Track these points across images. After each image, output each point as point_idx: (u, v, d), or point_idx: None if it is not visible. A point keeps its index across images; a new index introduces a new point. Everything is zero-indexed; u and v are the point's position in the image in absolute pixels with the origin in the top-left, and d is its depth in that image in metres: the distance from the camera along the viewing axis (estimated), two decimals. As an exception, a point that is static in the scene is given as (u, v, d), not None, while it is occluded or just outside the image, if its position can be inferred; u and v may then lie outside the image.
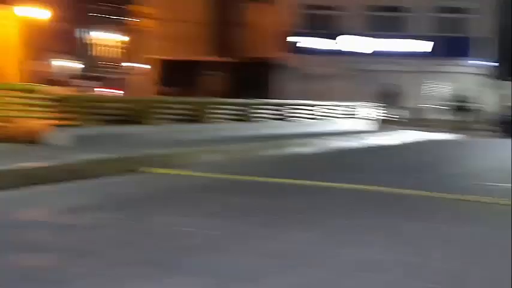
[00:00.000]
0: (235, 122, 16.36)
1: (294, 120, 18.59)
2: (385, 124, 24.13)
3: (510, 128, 25.87)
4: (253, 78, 37.50)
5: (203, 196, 7.56)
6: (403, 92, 34.89)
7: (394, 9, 37.67)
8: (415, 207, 7.21)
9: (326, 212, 6.64)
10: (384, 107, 24.00)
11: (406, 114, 34.53)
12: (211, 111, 15.69)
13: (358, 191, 8.19)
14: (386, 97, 23.85)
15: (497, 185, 9.16)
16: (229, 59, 39.59)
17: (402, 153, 15.77)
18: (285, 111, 18.70)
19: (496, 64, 35.27)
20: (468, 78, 36.70)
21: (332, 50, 38.05)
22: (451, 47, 36.03)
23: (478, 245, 5.19)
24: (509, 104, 27.80)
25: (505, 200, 7.50)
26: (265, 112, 17.96)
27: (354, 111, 23.34)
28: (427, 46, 31.11)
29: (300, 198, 7.59)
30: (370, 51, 37.44)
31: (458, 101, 30.63)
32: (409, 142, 19.13)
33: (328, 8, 38.43)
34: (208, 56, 39.73)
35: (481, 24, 35.50)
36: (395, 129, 22.53)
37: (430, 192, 7.95)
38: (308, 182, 8.69)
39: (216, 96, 23.08)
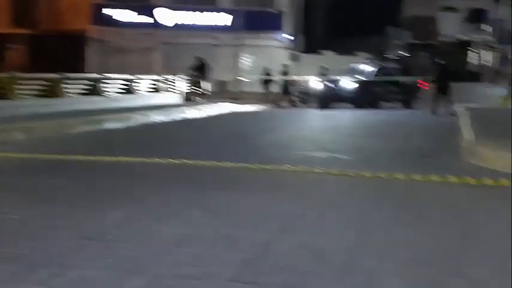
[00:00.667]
0: (45, 98, 15.44)
1: (107, 95, 17.92)
2: (197, 97, 24.26)
3: (306, 99, 27.63)
4: (62, 51, 35.78)
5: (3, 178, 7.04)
6: (214, 65, 35.60)
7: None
8: (232, 179, 7.28)
9: (141, 189, 6.47)
10: (195, 80, 24.08)
11: (217, 87, 35.28)
12: (17, 86, 14.63)
13: (171, 165, 8.09)
14: (197, 70, 23.97)
15: (307, 153, 9.64)
16: (32, 31, 37.35)
17: (211, 126, 15.88)
18: (99, 85, 17.95)
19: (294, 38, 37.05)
20: (277, 51, 38.27)
21: (146, 23, 37.49)
22: (260, 20, 37.22)
23: (291, 215, 5.33)
24: (307, 76, 29.47)
25: (320, 168, 7.83)
26: (78, 87, 17.16)
27: (167, 84, 23.17)
28: (235, 20, 31.86)
29: (111, 175, 7.33)
30: (182, 24, 37.47)
31: (265, 74, 31.73)
32: (219, 115, 19.41)
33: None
34: (7, 27, 37.15)
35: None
36: (206, 103, 22.80)
37: (246, 164, 8.09)
38: (119, 159, 8.46)
39: (19, 70, 21.57)
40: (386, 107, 27.12)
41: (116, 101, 17.65)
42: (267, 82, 31.70)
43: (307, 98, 27.87)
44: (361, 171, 7.55)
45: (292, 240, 4.31)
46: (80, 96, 16.56)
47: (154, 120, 15.12)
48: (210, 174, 7.55)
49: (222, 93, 31.93)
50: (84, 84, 17.10)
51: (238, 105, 23.89)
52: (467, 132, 11.07)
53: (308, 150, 10.04)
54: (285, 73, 30.06)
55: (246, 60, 37.56)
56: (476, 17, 55.83)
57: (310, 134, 13.10)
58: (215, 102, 21.88)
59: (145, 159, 8.42)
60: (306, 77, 29.13)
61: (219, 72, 34.88)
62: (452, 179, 7.14)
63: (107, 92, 17.82)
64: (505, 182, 6.94)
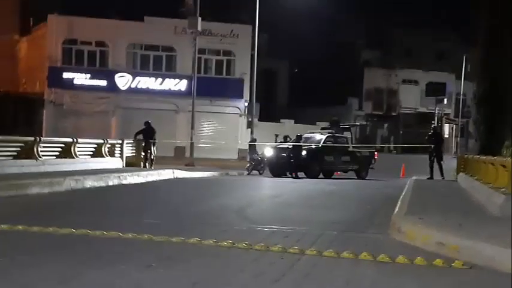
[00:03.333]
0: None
1: (43, 159, 17.20)
2: (144, 163, 23.66)
3: (261, 167, 27.23)
4: (19, 113, 35.28)
5: None
6: (173, 131, 35.26)
7: (157, 48, 38.06)
8: (123, 253, 6.70)
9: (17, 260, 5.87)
10: (141, 145, 23.54)
11: (175, 152, 34.84)
12: None
13: (61, 235, 7.53)
14: (144, 135, 23.50)
15: (221, 225, 9.12)
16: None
17: (143, 192, 15.29)
18: (36, 148, 17.18)
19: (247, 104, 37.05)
20: (235, 118, 38.23)
21: (103, 86, 37.24)
22: (221, 87, 37.28)
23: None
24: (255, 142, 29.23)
25: (226, 241, 7.33)
26: (9, 150, 16.45)
27: (115, 148, 22.58)
28: (195, 86, 31.82)
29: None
30: (140, 89, 37.33)
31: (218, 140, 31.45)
32: (157, 181, 18.84)
33: (94, 43, 37.62)
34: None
35: (242, 66, 37.24)
36: (152, 169, 22.22)
37: (151, 235, 7.53)
38: (15, 228, 7.88)
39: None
40: (340, 176, 26.90)
41: (52, 164, 16.97)
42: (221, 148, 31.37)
43: (261, 165, 27.49)
44: (269, 245, 7.05)
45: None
46: (7, 159, 15.82)
47: (85, 186, 14.49)
48: (97, 245, 6.99)
49: (178, 159, 31.49)
50: (17, 147, 16.40)
51: (188, 172, 23.35)
52: (401, 206, 10.70)
53: (227, 222, 9.52)
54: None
55: (204, 127, 37.36)
56: (436, 90, 56.89)
57: (240, 204, 12.57)
58: (164, 168, 21.30)
59: (41, 228, 7.81)
60: (262, 145, 28.87)
61: (177, 137, 34.53)
62: (365, 255, 6.67)
63: (44, 155, 17.14)
64: (419, 260, 6.50)
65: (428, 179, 21.43)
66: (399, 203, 11.25)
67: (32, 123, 34.76)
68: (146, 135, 23.51)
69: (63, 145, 18.82)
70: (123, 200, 13.00)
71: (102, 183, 15.33)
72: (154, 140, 23.49)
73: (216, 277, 5.54)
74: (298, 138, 25.24)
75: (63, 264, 5.80)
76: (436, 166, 22.22)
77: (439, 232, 7.47)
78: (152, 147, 23.42)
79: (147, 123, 23.81)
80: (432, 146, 22.09)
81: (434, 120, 57.79)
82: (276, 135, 29.10)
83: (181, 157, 32.64)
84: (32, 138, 16.68)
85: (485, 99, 23.60)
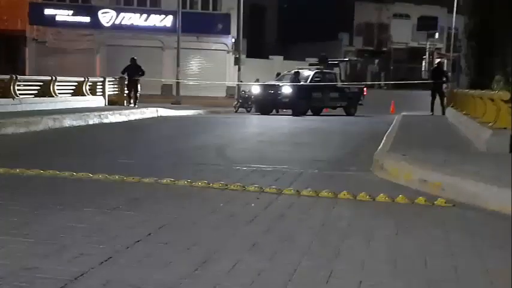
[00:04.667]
0: None
1: (20, 98, 16.73)
2: (128, 101, 23.20)
3: (248, 105, 26.85)
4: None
5: None
6: (159, 68, 34.61)
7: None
8: (90, 194, 6.41)
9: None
10: (125, 82, 22.99)
11: (161, 90, 34.31)
12: None
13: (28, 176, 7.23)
14: (129, 72, 22.91)
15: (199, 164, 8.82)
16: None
17: (123, 131, 14.89)
18: (13, 87, 16.71)
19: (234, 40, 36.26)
20: (222, 55, 37.53)
21: (87, 23, 36.32)
22: (207, 23, 36.43)
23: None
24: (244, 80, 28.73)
25: (195, 180, 7.05)
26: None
27: (97, 86, 22.06)
28: (181, 22, 31.01)
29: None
30: (125, 25, 36.45)
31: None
32: (139, 119, 18.45)
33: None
34: None
35: (228, 1, 36.28)
36: (136, 107, 21.78)
37: (122, 176, 7.23)
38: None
39: None
40: (328, 113, 26.58)
41: (30, 104, 16.48)
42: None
43: (248, 103, 27.09)
44: (246, 184, 6.78)
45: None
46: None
47: (64, 125, 14.09)
48: (64, 187, 6.68)
49: (165, 97, 31.01)
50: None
51: (174, 110, 22.94)
52: (385, 143, 10.43)
53: (205, 161, 9.23)
54: (227, 77, 29.28)
55: (190, 64, 36.70)
56: (427, 24, 56.07)
57: (221, 142, 12.26)
58: (148, 106, 20.86)
59: (7, 169, 7.48)
60: (249, 83, 28.37)
61: (163, 75, 33.96)
62: (344, 194, 6.41)
63: (22, 94, 16.65)
64: (400, 199, 6.25)
65: (430, 115, 21.16)
66: (384, 139, 10.97)
67: (14, 62, 34.01)
68: (131, 72, 22.93)
69: (41, 83, 18.29)
70: (100, 140, 12.66)
71: (81, 122, 14.95)
72: (140, 76, 22.84)
73: (185, 219, 5.26)
74: (296, 74, 24.72)
75: (24, 207, 5.51)
76: (437, 102, 21.89)
77: (422, 169, 7.21)
78: (138, 85, 22.87)
79: (132, 60, 23.20)
80: (434, 81, 21.62)
81: (425, 55, 57.23)
82: (278, 74, 28.13)
83: (168, 95, 32.17)
84: (8, 77, 16.15)
85: (475, 34, 23.11)
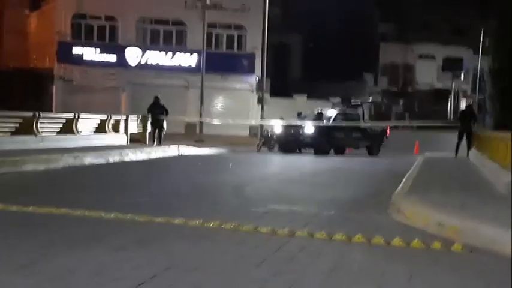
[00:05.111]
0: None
1: (42, 135, 16.86)
2: (152, 139, 23.29)
3: (271, 144, 26.77)
4: (22, 88, 35.01)
5: None
6: (183, 107, 34.83)
7: (168, 22, 37.54)
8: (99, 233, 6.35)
9: None
10: (150, 120, 23.03)
11: (185, 129, 34.45)
12: None
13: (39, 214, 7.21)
14: (154, 110, 22.98)
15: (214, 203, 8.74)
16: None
17: (142, 169, 14.89)
18: (35, 124, 16.86)
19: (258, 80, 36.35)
20: (246, 94, 37.68)
21: (113, 62, 36.85)
22: (232, 62, 36.73)
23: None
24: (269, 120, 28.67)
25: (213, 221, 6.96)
26: (9, 126, 16.15)
27: (119, 124, 22.21)
28: (206, 61, 31.32)
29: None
30: (150, 64, 36.90)
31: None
32: (160, 157, 18.47)
33: (104, 18, 37.17)
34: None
35: (253, 40, 36.55)
36: (159, 145, 21.84)
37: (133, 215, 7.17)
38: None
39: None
40: (351, 153, 26.40)
41: (52, 141, 16.62)
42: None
43: (271, 142, 27.04)
44: (258, 226, 6.67)
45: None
46: (5, 135, 15.47)
47: (84, 163, 14.15)
48: (74, 225, 6.64)
49: (189, 136, 31.12)
50: (16, 123, 16.07)
51: (196, 148, 22.98)
52: (404, 184, 10.26)
53: (221, 201, 9.15)
54: (251, 115, 29.32)
55: (214, 103, 36.92)
56: (452, 65, 55.85)
57: (240, 181, 12.18)
58: (170, 144, 20.93)
59: (20, 207, 7.48)
60: (272, 122, 28.37)
61: (187, 114, 34.14)
62: (359, 238, 6.26)
63: (44, 131, 16.82)
64: (416, 243, 6.08)
65: (455, 157, 20.77)
66: (403, 180, 10.80)
67: (41, 99, 34.54)
68: (155, 111, 22.92)
69: (64, 121, 18.47)
70: (119, 178, 12.65)
71: (102, 160, 14.99)
72: (164, 114, 22.75)
73: (192, 261, 5.16)
74: (319, 115, 24.70)
75: (33, 245, 5.47)
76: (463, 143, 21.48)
77: (439, 212, 7.04)
78: (163, 123, 22.77)
79: (156, 98, 23.27)
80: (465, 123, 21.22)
81: (450, 97, 56.89)
82: (299, 114, 28.04)
83: (192, 134, 32.28)
84: (31, 114, 16.35)
85: (500, 74, 22.88)
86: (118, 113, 27.68)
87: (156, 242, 5.91)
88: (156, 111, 22.83)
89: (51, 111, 31.12)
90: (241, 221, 6.92)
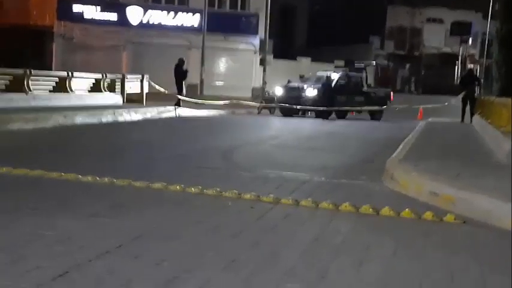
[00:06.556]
0: None
1: (34, 93, 16.44)
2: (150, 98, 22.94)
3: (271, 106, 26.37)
4: (22, 46, 34.46)
5: None
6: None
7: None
8: (75, 197, 6.05)
9: None
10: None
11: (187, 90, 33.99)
12: None
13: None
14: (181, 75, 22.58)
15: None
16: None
17: (134, 130, 14.51)
18: (27, 82, 16.40)
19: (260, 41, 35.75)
20: (249, 55, 37.09)
21: (114, 20, 36.20)
22: (235, 23, 36.05)
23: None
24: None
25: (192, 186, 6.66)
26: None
27: (117, 84, 21.80)
28: (208, 21, 30.69)
29: None
30: (152, 24, 36.26)
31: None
32: (155, 118, 18.12)
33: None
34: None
35: (256, 0, 35.82)
36: (155, 105, 21.46)
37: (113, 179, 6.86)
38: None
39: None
40: (353, 117, 25.99)
41: (43, 99, 16.22)
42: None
43: (272, 104, 26.60)
44: (242, 192, 6.35)
45: None
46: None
47: (75, 122, 13.79)
48: (47, 188, 6.34)
49: (190, 96, 30.68)
50: (6, 80, 15.63)
51: (195, 110, 22.58)
52: (400, 150, 9.90)
53: (208, 165, 8.82)
54: (253, 77, 28.87)
55: (217, 64, 36.38)
56: (461, 29, 54.95)
57: (232, 145, 11.84)
58: (167, 105, 20.55)
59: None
60: (273, 84, 27.89)
61: (189, 74, 33.61)
62: (346, 206, 5.94)
63: (36, 89, 16.40)
64: (407, 213, 5.76)
65: (461, 122, 20.36)
66: (400, 146, 10.45)
67: (41, 57, 34.05)
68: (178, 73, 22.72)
69: (57, 79, 18.03)
70: (106, 139, 12.29)
71: (94, 120, 14.63)
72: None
73: (165, 229, 4.85)
74: (321, 77, 24.23)
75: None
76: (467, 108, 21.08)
77: (433, 181, 6.70)
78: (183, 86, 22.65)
79: (180, 61, 23.16)
80: (465, 88, 20.78)
81: (458, 61, 56.11)
82: (301, 76, 27.49)
83: (194, 95, 31.83)
84: (22, 71, 15.90)
85: (507, 40, 22.28)
86: (119, 72, 27.23)
87: (131, 208, 5.60)
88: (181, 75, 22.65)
89: (51, 69, 30.68)
90: (225, 186, 6.60)
